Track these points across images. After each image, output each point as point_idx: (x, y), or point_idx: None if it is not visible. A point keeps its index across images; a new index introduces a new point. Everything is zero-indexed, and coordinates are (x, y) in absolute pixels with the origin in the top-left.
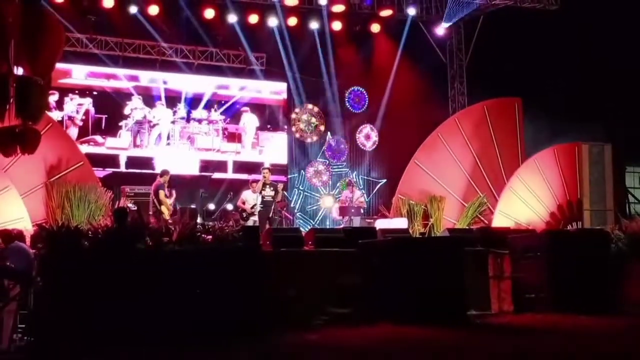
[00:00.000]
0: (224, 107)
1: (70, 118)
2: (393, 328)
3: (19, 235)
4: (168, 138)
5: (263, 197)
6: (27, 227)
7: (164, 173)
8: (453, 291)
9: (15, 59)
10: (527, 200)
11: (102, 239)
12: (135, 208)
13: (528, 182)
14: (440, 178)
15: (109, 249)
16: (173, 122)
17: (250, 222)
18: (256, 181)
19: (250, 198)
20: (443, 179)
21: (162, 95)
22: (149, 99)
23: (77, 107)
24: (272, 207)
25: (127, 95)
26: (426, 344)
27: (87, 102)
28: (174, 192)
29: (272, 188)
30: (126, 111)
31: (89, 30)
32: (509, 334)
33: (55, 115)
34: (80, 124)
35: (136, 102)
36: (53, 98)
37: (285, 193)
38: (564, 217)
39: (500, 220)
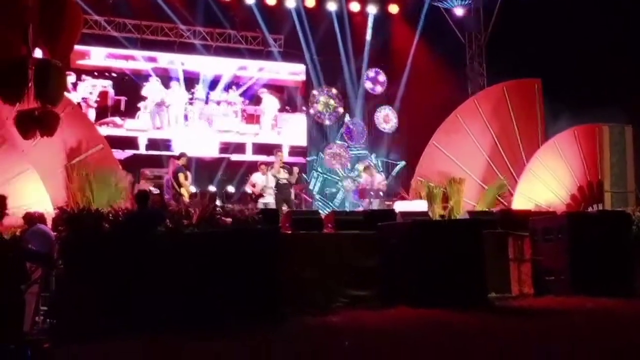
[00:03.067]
0: (243, 88)
1: (85, 100)
2: (413, 311)
3: (41, 217)
4: (186, 119)
5: (278, 180)
6: (48, 209)
7: (182, 155)
8: (473, 274)
9: (34, 41)
10: (547, 182)
11: (123, 221)
12: (157, 191)
13: (548, 164)
14: (459, 160)
15: (129, 231)
16: (191, 103)
17: (260, 205)
18: (265, 163)
19: (259, 180)
20: (462, 161)
21: (181, 77)
22: (167, 80)
23: (92, 88)
24: (289, 189)
25: (146, 77)
26: (446, 327)
27: (101, 84)
28: (189, 174)
29: (286, 171)
30: (144, 92)
31: (107, 12)
32: (529, 316)
33: (70, 97)
34: (95, 105)
35: (154, 83)
36: (70, 79)
37: (304, 175)
38: (585, 199)
39: (520, 202)
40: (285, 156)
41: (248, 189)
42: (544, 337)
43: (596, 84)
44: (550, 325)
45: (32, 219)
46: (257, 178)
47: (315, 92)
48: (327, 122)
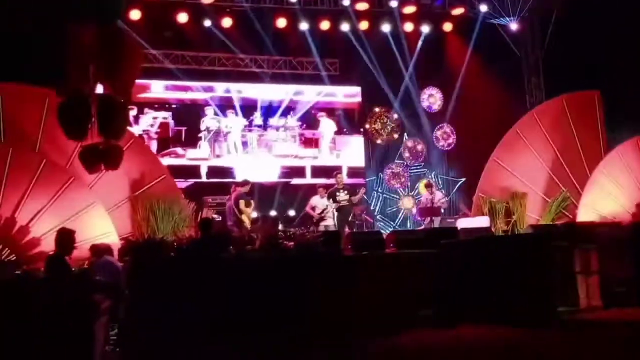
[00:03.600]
0: (300, 113)
1: (146, 132)
2: (477, 329)
3: (107, 249)
4: (246, 146)
5: (339, 202)
6: (114, 240)
7: (245, 183)
8: (538, 289)
9: (96, 79)
10: (611, 193)
11: (187, 248)
12: (220, 218)
13: (612, 175)
14: (521, 174)
15: (194, 257)
16: (250, 130)
17: (321, 228)
18: (323, 186)
19: (319, 203)
20: (524, 175)
21: (238, 105)
22: (225, 108)
23: (152, 120)
24: (350, 210)
25: (204, 107)
26: (512, 345)
27: (161, 115)
28: (252, 201)
29: (346, 192)
30: (202, 122)
31: (165, 45)
32: (599, 330)
33: (132, 130)
34: (155, 137)
35: (210, 113)
36: (131, 113)
37: (364, 196)
38: None
39: (585, 214)
40: (345, 178)
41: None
42: (616, 351)
43: None
44: (621, 338)
45: (99, 250)
46: (316, 201)
47: (372, 113)
48: (384, 143)
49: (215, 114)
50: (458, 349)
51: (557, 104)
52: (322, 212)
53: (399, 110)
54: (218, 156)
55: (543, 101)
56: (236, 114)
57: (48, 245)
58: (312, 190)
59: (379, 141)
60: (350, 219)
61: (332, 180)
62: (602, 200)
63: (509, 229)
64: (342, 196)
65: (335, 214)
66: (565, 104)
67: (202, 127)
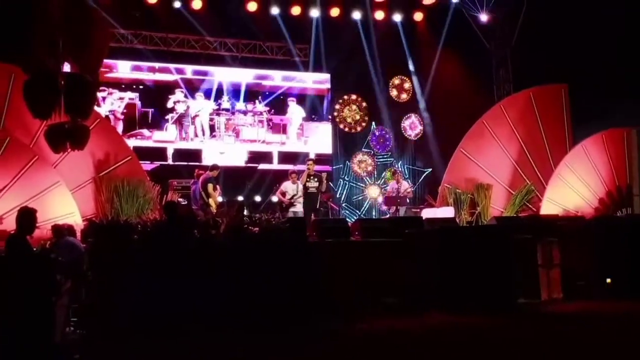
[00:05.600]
0: (269, 98)
1: (112, 112)
2: (441, 317)
3: (70, 229)
4: (214, 130)
5: (307, 188)
6: (77, 221)
7: (215, 168)
8: (501, 279)
9: (63, 56)
10: (575, 187)
11: (151, 232)
12: (185, 202)
13: (576, 169)
14: (486, 166)
15: (158, 242)
16: (218, 114)
17: (290, 214)
18: (295, 172)
19: (290, 189)
20: (490, 167)
21: (209, 87)
22: (194, 91)
23: (118, 101)
24: (318, 198)
25: (172, 89)
26: (475, 333)
27: (128, 96)
28: (218, 187)
29: (316, 179)
30: (169, 104)
31: (133, 26)
32: (558, 322)
33: (98, 110)
34: (122, 117)
35: (178, 95)
36: (100, 94)
37: (331, 184)
38: (613, 203)
39: (549, 207)
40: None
41: (275, 197)
42: (575, 343)
43: (624, 88)
44: (580, 331)
45: (61, 231)
46: (287, 186)
47: (341, 100)
48: (352, 131)
49: (185, 96)
50: (422, 336)
51: (524, 97)
52: (292, 197)
53: (367, 99)
54: (184, 139)
55: (511, 94)
56: (205, 97)
57: (9, 224)
58: (279, 175)
59: (346, 129)
60: (317, 206)
61: (300, 167)
62: (566, 194)
63: (473, 220)
64: (312, 183)
65: (303, 200)
66: (532, 97)
67: (169, 104)
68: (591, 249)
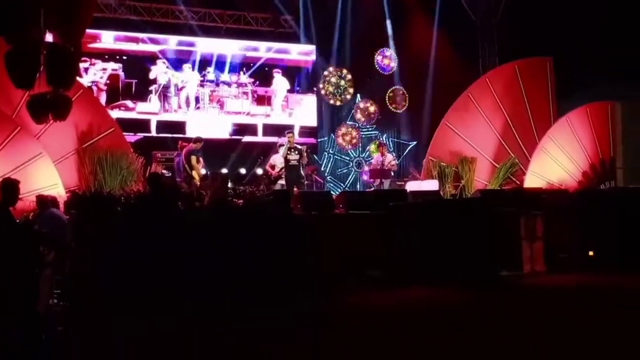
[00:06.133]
0: (253, 69)
1: (95, 83)
2: (425, 290)
3: (53, 201)
4: (198, 102)
5: (289, 161)
6: (60, 193)
7: (198, 140)
8: (484, 252)
9: (46, 25)
10: (559, 160)
11: (134, 204)
12: (169, 174)
13: (560, 142)
14: (471, 139)
15: (141, 214)
16: (202, 86)
17: (278, 186)
18: (283, 145)
19: (278, 162)
20: (474, 140)
21: (195, 59)
22: (179, 63)
23: (101, 71)
24: (299, 170)
25: (155, 60)
26: (458, 306)
27: (111, 67)
28: (202, 159)
29: (297, 152)
30: (151, 76)
31: None
32: (539, 295)
33: (81, 81)
34: (105, 88)
35: (160, 66)
36: (83, 65)
37: (315, 156)
38: (597, 176)
39: (532, 180)
40: (296, 137)
41: (260, 170)
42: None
43: (610, 61)
44: (562, 304)
45: (45, 202)
46: (276, 160)
47: (326, 72)
48: (337, 103)
49: (167, 67)
50: (405, 309)
51: (509, 70)
52: (281, 170)
53: (353, 71)
54: (167, 111)
55: (496, 66)
56: (192, 69)
57: None
58: (264, 148)
59: (337, 103)
60: (300, 178)
61: (285, 139)
62: (549, 167)
63: (458, 193)
64: (293, 155)
65: (285, 173)
66: (517, 70)
67: (152, 75)
68: (574, 222)
